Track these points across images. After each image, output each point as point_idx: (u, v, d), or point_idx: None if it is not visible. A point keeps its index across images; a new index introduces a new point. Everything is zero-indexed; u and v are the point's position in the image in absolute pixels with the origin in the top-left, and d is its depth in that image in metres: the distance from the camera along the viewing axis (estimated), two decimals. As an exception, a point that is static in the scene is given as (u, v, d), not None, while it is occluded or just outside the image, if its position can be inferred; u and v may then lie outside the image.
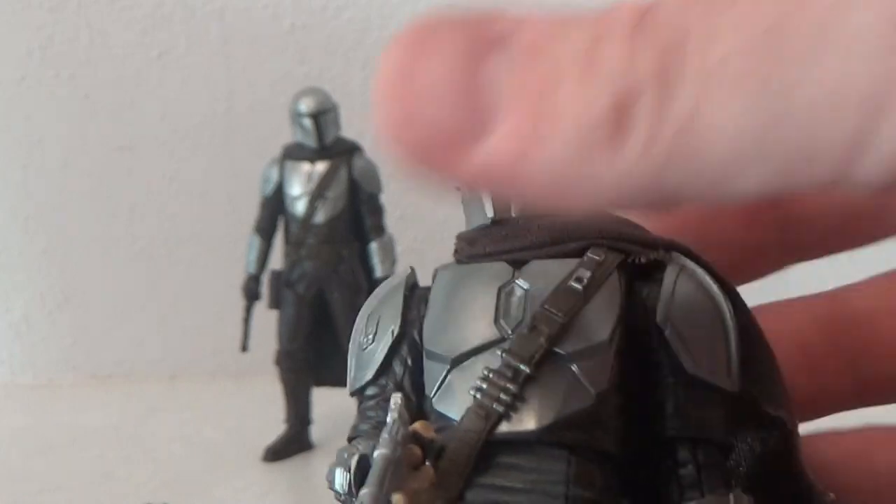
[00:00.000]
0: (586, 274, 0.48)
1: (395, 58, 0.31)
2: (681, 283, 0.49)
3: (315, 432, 2.38)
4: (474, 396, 0.48)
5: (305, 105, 2.26)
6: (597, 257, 0.49)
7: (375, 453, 0.43)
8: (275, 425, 2.33)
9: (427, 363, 0.51)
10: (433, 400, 0.50)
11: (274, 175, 2.30)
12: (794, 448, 0.48)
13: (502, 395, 0.46)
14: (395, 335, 0.54)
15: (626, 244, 0.51)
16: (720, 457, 0.48)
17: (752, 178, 0.28)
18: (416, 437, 0.46)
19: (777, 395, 0.48)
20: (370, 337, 0.55)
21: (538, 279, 0.50)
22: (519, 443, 0.47)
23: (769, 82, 0.26)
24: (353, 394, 0.57)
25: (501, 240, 0.53)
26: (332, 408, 2.38)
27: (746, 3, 0.27)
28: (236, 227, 2.56)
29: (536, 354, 0.47)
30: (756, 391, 0.48)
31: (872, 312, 0.49)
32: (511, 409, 0.46)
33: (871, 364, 0.50)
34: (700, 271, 0.50)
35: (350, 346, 0.58)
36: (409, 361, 0.53)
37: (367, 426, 0.52)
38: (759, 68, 0.27)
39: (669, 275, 0.50)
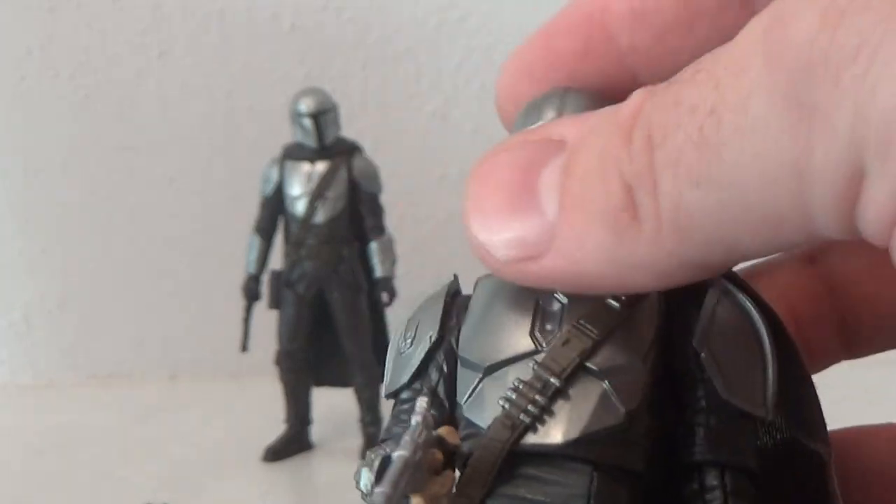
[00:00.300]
0: (623, 294, 0.49)
1: (470, 182, 0.37)
2: (722, 308, 0.49)
3: (315, 432, 2.38)
4: (503, 406, 0.48)
5: (305, 105, 2.26)
6: None
7: (394, 454, 0.44)
8: (275, 425, 2.33)
9: (461, 370, 0.52)
10: (464, 407, 0.50)
11: (274, 175, 2.31)
12: (828, 479, 0.48)
13: (530, 407, 0.46)
14: (432, 341, 0.55)
15: None
16: (749, 484, 0.47)
17: (751, 244, 0.31)
18: (440, 442, 0.46)
19: (813, 426, 0.48)
20: (408, 342, 0.56)
21: (576, 294, 0.50)
22: (543, 455, 0.47)
23: (715, 166, 0.30)
24: (388, 397, 0.58)
25: None
26: (332, 408, 2.38)
27: (694, 90, 0.30)
28: (236, 227, 2.56)
29: (568, 368, 0.47)
30: (792, 422, 0.48)
31: (853, 272, 0.51)
32: (538, 420, 0.46)
33: (856, 321, 0.52)
34: (741, 297, 0.49)
35: (388, 351, 0.59)
36: (446, 368, 0.54)
37: (400, 429, 0.53)
38: (705, 154, 0.30)
39: (710, 298, 0.49)
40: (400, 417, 0.56)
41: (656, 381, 0.48)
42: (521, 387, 0.47)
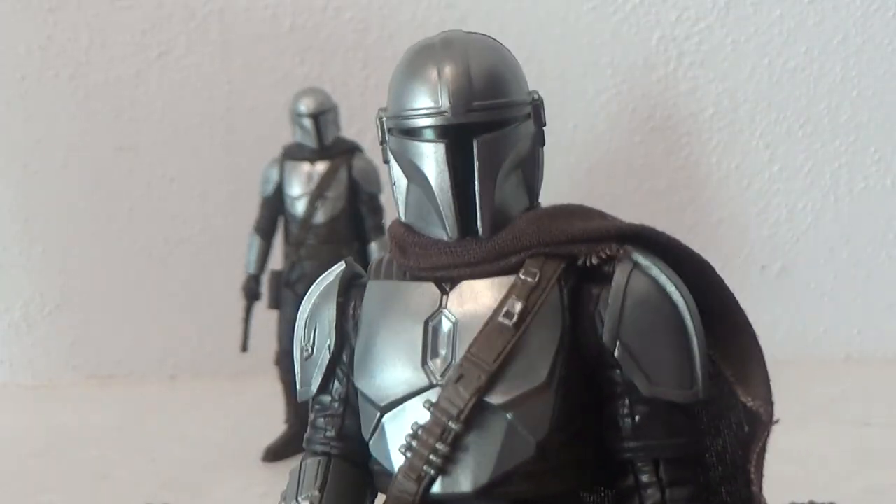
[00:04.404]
0: (517, 307, 0.47)
1: None
2: (633, 284, 0.47)
3: (315, 432, 2.38)
4: (405, 455, 0.48)
5: (305, 105, 2.26)
6: (530, 279, 0.47)
7: None
8: (275, 425, 2.34)
9: (361, 401, 0.53)
10: (370, 444, 0.51)
11: (274, 175, 2.31)
12: (758, 440, 0.48)
13: (432, 457, 0.46)
14: (331, 351, 0.56)
15: (572, 246, 0.49)
16: (684, 470, 0.47)
17: None
18: None
19: (755, 382, 0.47)
20: (309, 346, 0.57)
21: (467, 308, 0.48)
22: (457, 501, 0.47)
23: None
24: (301, 401, 0.59)
25: (436, 255, 0.52)
26: (332, 408, 2.38)
27: None
28: (236, 227, 2.56)
29: (465, 409, 0.45)
30: (733, 376, 0.48)
31: None
32: (442, 471, 0.46)
33: None
34: (656, 268, 0.47)
35: (293, 350, 0.61)
36: (351, 376, 0.54)
37: (318, 436, 0.56)
38: None
39: (620, 275, 0.48)
40: (316, 425, 0.57)
41: (568, 394, 0.47)
42: (420, 433, 0.46)
